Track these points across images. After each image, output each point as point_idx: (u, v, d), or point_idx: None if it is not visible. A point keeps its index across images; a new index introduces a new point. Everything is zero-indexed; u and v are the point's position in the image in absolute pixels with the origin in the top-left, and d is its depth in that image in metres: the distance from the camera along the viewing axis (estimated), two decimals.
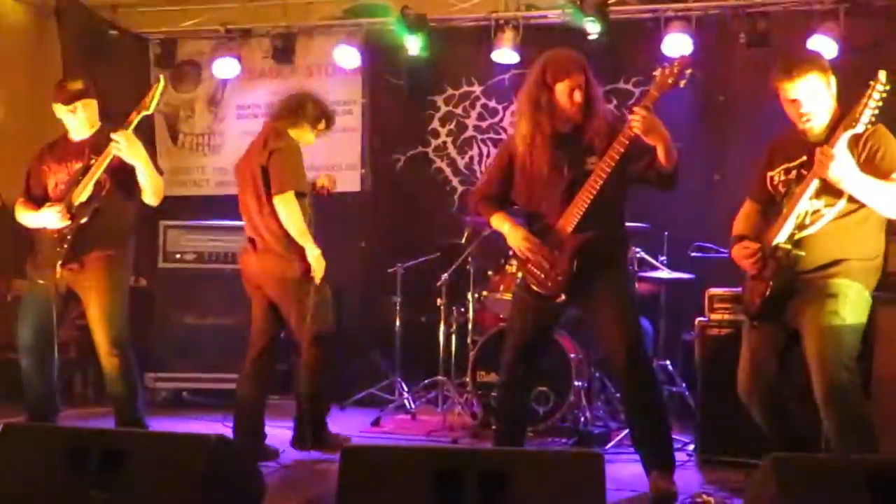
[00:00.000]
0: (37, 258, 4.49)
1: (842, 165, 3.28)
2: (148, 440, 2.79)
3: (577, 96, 3.93)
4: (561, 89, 3.92)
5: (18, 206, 4.58)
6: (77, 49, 7.15)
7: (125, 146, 4.29)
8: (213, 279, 6.33)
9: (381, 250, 6.92)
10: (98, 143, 4.44)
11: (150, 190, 4.48)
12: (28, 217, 4.50)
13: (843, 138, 3.31)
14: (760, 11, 6.22)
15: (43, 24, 7.11)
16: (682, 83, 3.79)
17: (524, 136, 4.03)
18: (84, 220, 4.36)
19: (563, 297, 4.01)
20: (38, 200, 4.51)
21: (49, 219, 4.38)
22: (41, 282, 4.40)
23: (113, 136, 4.29)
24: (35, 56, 7.01)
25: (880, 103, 3.25)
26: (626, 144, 3.79)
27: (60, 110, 4.51)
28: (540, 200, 4.06)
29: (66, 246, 4.35)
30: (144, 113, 4.38)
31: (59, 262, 4.34)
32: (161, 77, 4.53)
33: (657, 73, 3.84)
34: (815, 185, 3.40)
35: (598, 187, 3.85)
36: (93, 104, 4.54)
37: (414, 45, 6.79)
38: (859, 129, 3.28)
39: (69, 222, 4.35)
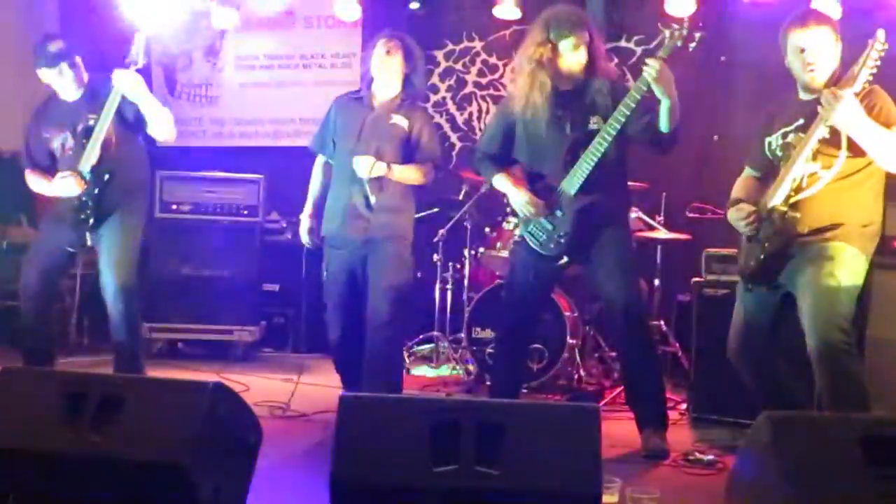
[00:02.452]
0: (55, 222, 4.49)
1: (850, 108, 3.25)
2: (146, 386, 2.79)
3: (581, 54, 3.90)
4: (564, 46, 3.89)
5: (28, 177, 4.58)
6: None
7: (129, 82, 4.24)
8: (209, 230, 6.32)
9: None
10: (93, 101, 4.41)
11: (158, 124, 4.43)
12: (42, 187, 4.50)
13: None
14: None
15: None
16: (692, 46, 3.75)
17: (524, 95, 4.01)
18: (100, 188, 4.35)
19: (564, 259, 4.03)
20: (45, 167, 4.50)
21: (65, 189, 4.36)
22: (71, 249, 4.42)
23: (116, 72, 4.24)
24: (30, 3, 6.93)
25: (878, 62, 3.24)
26: (637, 100, 3.76)
27: (45, 75, 4.45)
28: (542, 160, 4.05)
29: (89, 213, 4.35)
30: (133, 67, 4.34)
31: (86, 229, 4.36)
32: (140, 29, 4.46)
33: (665, 34, 3.81)
34: (812, 146, 3.39)
35: (603, 150, 3.84)
36: (77, 61, 4.48)
37: None
38: (857, 87, 3.27)
39: (85, 187, 4.34)
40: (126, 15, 6.08)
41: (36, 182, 4.53)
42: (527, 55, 3.99)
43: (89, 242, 4.39)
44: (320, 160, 4.60)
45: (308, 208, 4.56)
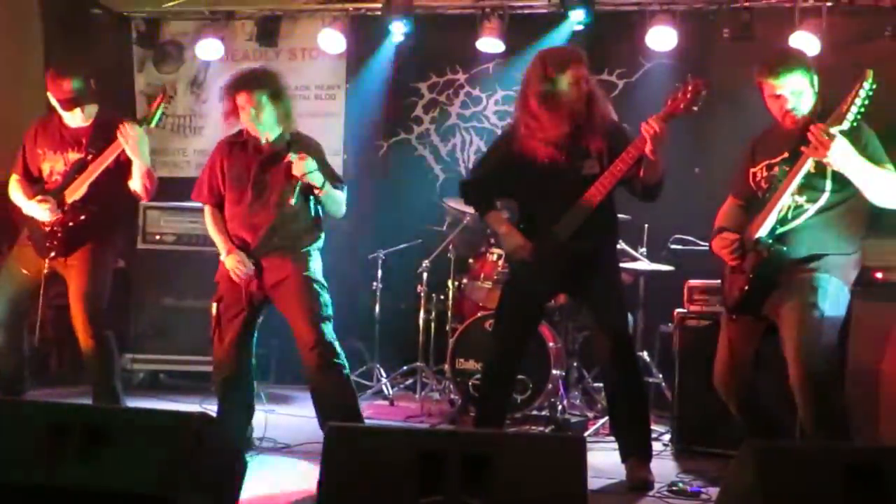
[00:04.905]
0: (25, 244, 4.48)
1: (842, 148, 3.29)
2: (130, 417, 2.77)
3: (580, 89, 3.90)
4: (564, 80, 3.87)
5: (12, 183, 4.54)
6: (59, 26, 7.08)
7: (133, 141, 4.26)
8: (192, 261, 6.29)
9: (362, 236, 6.89)
10: (96, 135, 4.41)
11: (143, 186, 4.45)
12: (19, 201, 4.48)
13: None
14: (744, 7, 6.26)
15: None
16: (696, 108, 3.74)
17: (521, 134, 4.00)
18: (74, 223, 4.35)
19: (553, 301, 4.05)
20: (33, 181, 4.50)
21: (39, 212, 4.35)
22: (26, 272, 4.39)
23: (125, 125, 4.26)
24: (16, 32, 6.93)
25: (867, 101, 3.28)
26: (635, 157, 3.79)
27: (55, 103, 4.44)
28: (536, 200, 4.04)
29: (56, 242, 4.34)
30: (145, 126, 4.36)
31: (49, 258, 4.35)
32: (166, 88, 4.48)
33: (669, 97, 3.79)
34: (798, 180, 3.43)
35: (599, 199, 3.86)
36: (91, 107, 4.47)
37: (399, 31, 6.79)
38: (845, 126, 3.31)
39: (60, 216, 4.33)
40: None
41: (17, 192, 4.50)
42: (526, 95, 3.97)
43: (46, 270, 4.36)
44: None
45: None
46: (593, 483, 3.88)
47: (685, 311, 4.79)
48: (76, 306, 4.40)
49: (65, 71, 4.43)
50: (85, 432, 2.59)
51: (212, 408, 5.36)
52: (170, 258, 6.36)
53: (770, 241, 3.47)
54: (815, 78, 3.56)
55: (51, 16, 7.09)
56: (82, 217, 4.35)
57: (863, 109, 3.29)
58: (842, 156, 3.30)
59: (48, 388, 5.60)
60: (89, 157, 4.35)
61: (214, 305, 4.26)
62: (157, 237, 6.41)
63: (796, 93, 3.51)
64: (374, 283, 6.32)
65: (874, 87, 3.27)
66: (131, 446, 2.55)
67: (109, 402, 4.41)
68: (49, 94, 4.44)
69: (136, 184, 4.44)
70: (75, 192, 4.33)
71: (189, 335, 6.20)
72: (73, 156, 4.40)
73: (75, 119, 4.46)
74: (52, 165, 4.45)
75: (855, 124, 3.33)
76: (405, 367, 6.25)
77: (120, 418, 2.69)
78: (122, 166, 4.41)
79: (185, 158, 7.50)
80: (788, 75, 3.50)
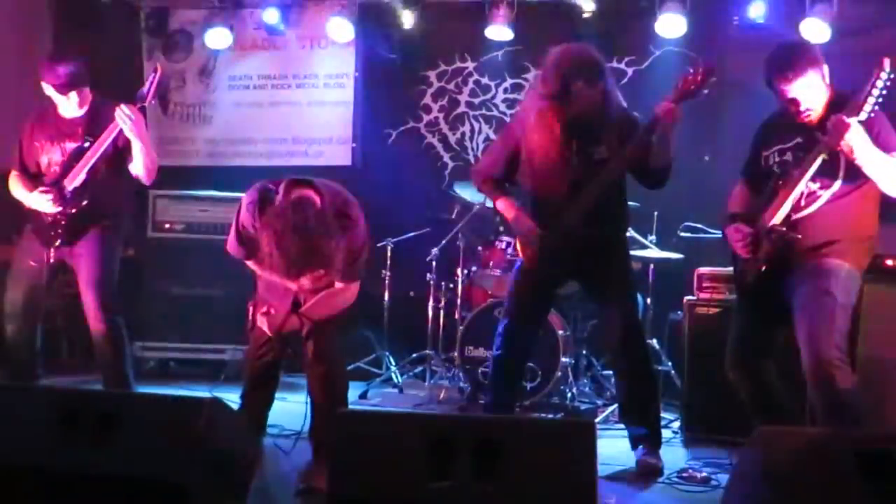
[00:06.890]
0: (30, 236, 4.50)
1: (857, 137, 3.27)
2: (142, 402, 2.80)
3: (594, 94, 3.89)
4: (581, 93, 3.85)
5: (12, 179, 4.56)
6: (67, 15, 7.09)
7: (131, 122, 4.27)
8: (201, 250, 6.29)
9: (371, 225, 6.85)
10: (92, 123, 4.42)
11: (144, 168, 4.47)
12: (21, 195, 4.50)
13: None
14: None
15: None
16: (705, 92, 3.76)
17: (533, 124, 4.01)
18: (76, 210, 4.37)
19: (563, 287, 4.07)
20: (32, 175, 4.51)
21: (40, 204, 4.38)
22: (34, 264, 4.41)
23: (122, 107, 4.26)
24: (25, 21, 6.94)
25: (884, 91, 3.25)
26: (647, 140, 3.80)
27: (50, 91, 4.45)
28: (546, 187, 4.05)
29: (59, 231, 4.37)
30: (140, 104, 4.38)
31: (53, 247, 4.38)
32: (157, 66, 4.49)
33: (679, 80, 3.79)
34: (813, 167, 3.41)
35: (608, 184, 3.86)
36: (86, 91, 4.48)
37: (407, 19, 6.77)
38: (862, 116, 3.27)
39: (61, 207, 4.35)
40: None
41: (17, 187, 4.52)
42: (538, 92, 3.97)
43: (52, 259, 4.39)
44: None
45: None
46: (603, 470, 3.88)
47: (695, 298, 4.79)
48: (87, 293, 4.42)
49: (58, 57, 4.49)
50: (97, 418, 2.61)
51: (222, 394, 5.41)
52: (179, 246, 6.37)
53: (784, 228, 3.47)
54: (826, 69, 3.53)
55: (60, 5, 7.10)
56: (84, 203, 4.37)
57: (880, 99, 3.26)
58: (855, 143, 3.27)
59: (59, 375, 5.61)
60: (87, 143, 4.36)
61: (251, 308, 4.22)
62: (167, 226, 6.42)
63: (808, 92, 3.47)
64: (383, 272, 6.32)
65: (892, 75, 3.24)
66: (143, 432, 2.57)
67: (121, 388, 4.44)
68: (44, 84, 4.44)
69: (137, 167, 4.47)
70: (74, 180, 4.35)
71: (199, 323, 6.23)
72: (71, 145, 4.42)
73: (70, 108, 4.46)
74: (50, 157, 4.47)
75: (872, 115, 3.31)
76: (414, 355, 6.25)
77: (132, 404, 2.71)
78: (121, 151, 4.43)
79: (195, 147, 7.50)
80: (800, 78, 3.44)
